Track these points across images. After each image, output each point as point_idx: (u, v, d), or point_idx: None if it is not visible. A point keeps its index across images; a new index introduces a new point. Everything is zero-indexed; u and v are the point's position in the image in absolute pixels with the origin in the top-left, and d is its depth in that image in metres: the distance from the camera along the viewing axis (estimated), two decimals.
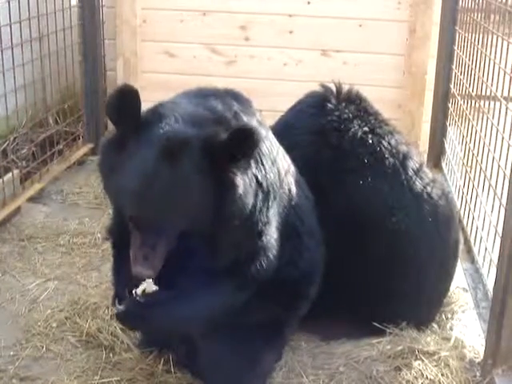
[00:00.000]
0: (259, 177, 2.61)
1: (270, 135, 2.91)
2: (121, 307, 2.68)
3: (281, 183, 2.83)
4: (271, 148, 2.81)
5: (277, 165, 2.81)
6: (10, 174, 4.55)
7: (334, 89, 3.59)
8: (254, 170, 2.59)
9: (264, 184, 2.64)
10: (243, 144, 2.41)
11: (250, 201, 2.54)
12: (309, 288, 3.05)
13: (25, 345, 3.32)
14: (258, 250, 2.73)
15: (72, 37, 5.46)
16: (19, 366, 3.18)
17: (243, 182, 2.49)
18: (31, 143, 5.13)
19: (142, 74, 5.80)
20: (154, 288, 2.63)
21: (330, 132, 3.42)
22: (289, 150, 3.18)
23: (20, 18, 4.69)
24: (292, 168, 3.03)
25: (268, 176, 2.67)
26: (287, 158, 3.04)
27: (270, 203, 2.69)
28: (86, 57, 5.52)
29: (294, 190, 2.94)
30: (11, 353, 3.27)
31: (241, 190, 2.48)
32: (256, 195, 2.59)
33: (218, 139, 2.42)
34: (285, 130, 3.52)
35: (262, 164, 2.65)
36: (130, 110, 2.45)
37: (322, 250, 3.10)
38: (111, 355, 3.25)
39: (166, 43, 5.74)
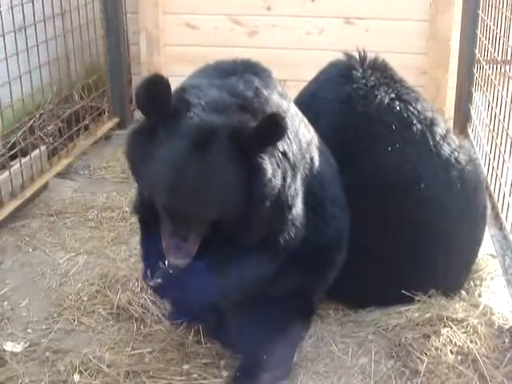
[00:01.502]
0: (287, 151, 2.62)
1: (292, 106, 2.91)
2: (157, 279, 2.71)
3: (303, 154, 2.83)
4: (293, 120, 2.80)
5: (299, 136, 2.81)
6: (37, 151, 4.59)
7: (358, 57, 3.58)
8: (281, 146, 2.59)
9: (291, 158, 2.65)
10: (271, 133, 2.43)
11: (278, 181, 2.55)
12: (335, 255, 3.06)
13: (57, 318, 3.38)
14: (286, 223, 2.74)
15: (94, 12, 5.46)
16: (52, 339, 3.24)
17: (271, 166, 2.51)
18: (57, 119, 5.16)
19: (165, 47, 5.79)
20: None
21: (357, 100, 3.40)
22: (315, 119, 3.17)
23: None
24: (315, 138, 3.03)
25: (293, 149, 2.68)
26: (310, 128, 3.03)
27: (298, 177, 2.70)
28: (108, 31, 5.52)
29: (316, 159, 2.95)
30: (44, 326, 3.33)
31: (269, 174, 2.49)
32: (284, 171, 2.60)
33: (245, 128, 2.44)
34: (310, 100, 3.52)
35: (288, 137, 2.66)
36: (161, 100, 2.45)
37: (346, 217, 3.11)
38: (142, 327, 3.30)
39: (188, 15, 5.72)
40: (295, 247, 2.82)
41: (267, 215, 2.60)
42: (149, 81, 2.43)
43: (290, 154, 2.64)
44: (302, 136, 2.86)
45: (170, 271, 2.66)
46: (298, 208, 2.78)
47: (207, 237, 2.58)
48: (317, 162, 2.95)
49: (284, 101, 2.80)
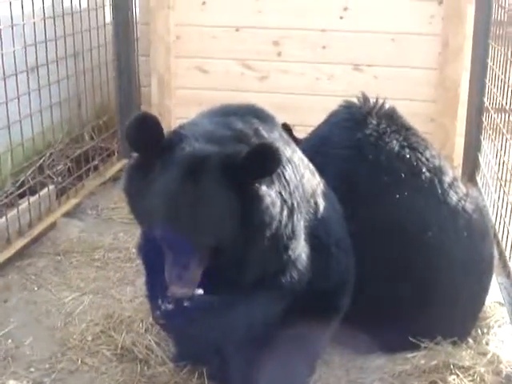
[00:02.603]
0: (283, 193, 2.63)
1: (297, 153, 2.92)
2: (169, 306, 2.69)
3: (307, 198, 2.84)
4: (297, 164, 2.81)
5: (303, 181, 2.82)
6: (45, 190, 4.61)
7: (368, 103, 3.60)
8: (277, 186, 2.60)
9: (288, 200, 2.65)
10: (263, 160, 2.44)
11: (277, 212, 2.55)
12: (340, 299, 3.05)
13: (60, 358, 3.36)
14: (285, 264, 2.74)
15: (107, 54, 5.52)
16: (55, 378, 3.22)
17: (269, 194, 2.52)
18: (67, 159, 5.19)
19: (176, 90, 5.84)
20: (199, 291, 2.64)
21: (367, 147, 3.42)
22: (323, 163, 3.19)
23: (55, 35, 4.75)
24: (321, 183, 3.04)
25: (293, 192, 2.68)
26: (316, 174, 3.04)
27: (295, 218, 2.70)
28: (120, 73, 5.59)
29: (320, 203, 2.95)
30: (47, 366, 3.31)
31: (268, 201, 2.50)
32: (281, 210, 2.60)
33: (238, 156, 2.45)
34: (319, 144, 3.54)
35: (286, 180, 2.66)
36: (152, 136, 2.49)
37: (351, 262, 3.10)
38: (146, 368, 3.28)
39: (199, 59, 5.77)
40: (300, 290, 2.81)
41: (264, 250, 2.60)
42: (138, 119, 2.49)
43: (287, 197, 2.64)
44: (307, 181, 2.87)
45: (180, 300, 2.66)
46: (300, 251, 2.77)
47: (210, 272, 2.57)
48: (321, 207, 2.95)
49: (287, 146, 2.82)
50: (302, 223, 2.78)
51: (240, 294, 2.69)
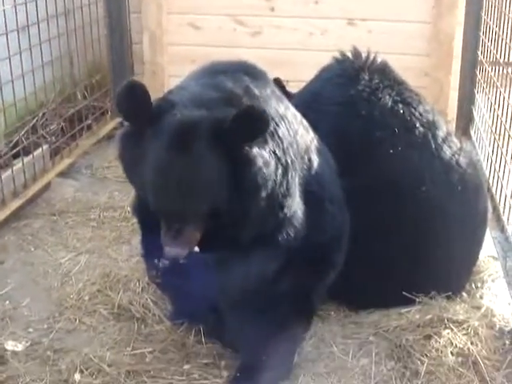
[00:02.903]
0: (277, 151, 2.62)
1: (290, 109, 2.90)
2: (166, 262, 2.71)
3: (301, 155, 2.84)
4: (291, 121, 2.80)
5: (297, 137, 2.81)
6: (39, 150, 4.59)
7: (361, 57, 3.57)
8: (271, 145, 2.59)
9: (282, 158, 2.65)
10: (250, 123, 2.42)
11: (271, 171, 2.55)
12: (335, 254, 3.06)
13: (58, 318, 3.39)
14: (281, 222, 2.75)
15: (97, 11, 5.46)
16: (53, 338, 3.24)
17: (261, 155, 2.51)
18: (60, 118, 5.16)
19: (168, 47, 5.79)
20: (195, 249, 2.65)
21: (360, 102, 3.41)
22: (316, 120, 3.17)
23: None
24: (314, 139, 3.04)
25: (286, 149, 2.68)
26: (309, 129, 3.04)
27: (289, 176, 2.70)
28: (111, 31, 5.54)
29: (314, 159, 2.95)
30: (45, 326, 3.34)
31: (260, 162, 2.49)
32: (276, 169, 2.60)
33: (226, 120, 2.43)
34: (311, 100, 3.52)
35: (280, 138, 2.66)
36: (141, 104, 2.48)
37: (345, 217, 3.11)
38: (143, 327, 3.30)
39: (191, 15, 5.73)
40: (296, 245, 2.82)
41: (262, 209, 2.61)
42: (127, 88, 2.47)
43: (280, 155, 2.64)
44: (300, 138, 2.87)
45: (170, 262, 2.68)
46: (296, 208, 2.78)
47: (208, 232, 2.59)
48: (315, 163, 2.95)
49: (280, 103, 2.80)
50: (296, 180, 2.78)
51: (236, 251, 2.70)
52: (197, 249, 2.65)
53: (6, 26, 4.25)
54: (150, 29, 5.72)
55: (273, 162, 2.57)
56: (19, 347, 3.17)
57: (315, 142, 3.03)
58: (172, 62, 5.76)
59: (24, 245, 4.03)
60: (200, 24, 5.73)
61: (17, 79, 4.40)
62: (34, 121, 4.93)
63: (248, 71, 2.81)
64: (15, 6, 4.41)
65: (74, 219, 4.32)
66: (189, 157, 2.45)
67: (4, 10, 4.26)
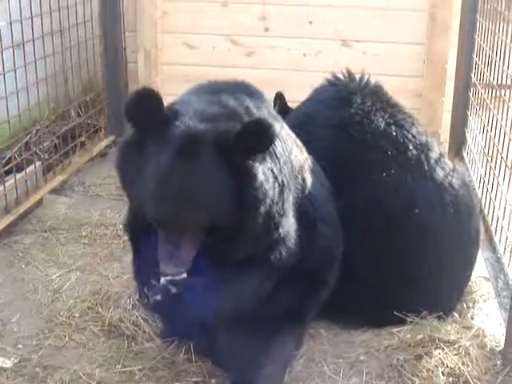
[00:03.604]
0: (274, 169, 2.63)
1: (285, 128, 2.92)
2: (157, 296, 2.70)
3: (295, 175, 2.84)
4: (286, 140, 2.81)
5: (291, 157, 2.82)
6: (32, 166, 4.58)
7: (353, 79, 3.59)
8: (269, 162, 2.60)
9: (279, 177, 2.65)
10: (257, 137, 2.43)
11: (270, 189, 2.55)
12: (327, 273, 3.06)
13: (48, 334, 3.36)
14: (276, 241, 2.74)
15: (93, 29, 5.48)
16: (42, 355, 3.22)
17: (263, 171, 2.51)
18: (53, 135, 5.16)
19: (163, 66, 5.81)
20: (184, 276, 2.63)
21: (353, 125, 3.42)
22: (309, 142, 3.19)
23: (41, 11, 4.71)
24: (308, 159, 3.04)
25: (282, 169, 2.68)
26: (303, 149, 3.05)
27: (285, 195, 2.71)
28: (106, 49, 5.55)
29: (308, 179, 2.95)
30: (34, 342, 3.32)
31: (261, 178, 2.49)
32: (273, 187, 2.60)
33: (231, 133, 2.44)
34: (305, 121, 3.53)
35: (277, 157, 2.67)
36: (153, 112, 2.49)
37: (338, 237, 3.12)
38: (133, 344, 3.28)
39: (186, 35, 5.75)
40: (289, 266, 2.82)
41: (258, 228, 2.60)
42: (139, 93, 2.49)
43: (277, 174, 2.64)
44: (295, 157, 2.87)
45: (170, 287, 2.66)
46: (289, 228, 2.78)
47: (203, 250, 2.57)
48: (309, 183, 2.96)
49: (276, 122, 2.81)
50: (290, 200, 2.79)
51: (229, 272, 2.70)
52: (185, 275, 2.62)
53: (1, 42, 4.25)
54: (145, 48, 5.74)
55: (271, 180, 2.57)
56: (8, 363, 3.15)
57: (309, 162, 3.04)
58: (167, 81, 5.77)
59: (15, 261, 4.01)
60: (195, 44, 5.76)
61: (11, 96, 4.40)
62: (28, 138, 4.93)
63: (247, 91, 2.83)
64: (10, 23, 4.42)
65: (66, 236, 4.30)
66: (192, 166, 2.45)
67: None
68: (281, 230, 2.74)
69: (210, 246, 2.59)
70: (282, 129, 2.85)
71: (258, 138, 2.44)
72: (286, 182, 2.70)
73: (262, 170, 2.52)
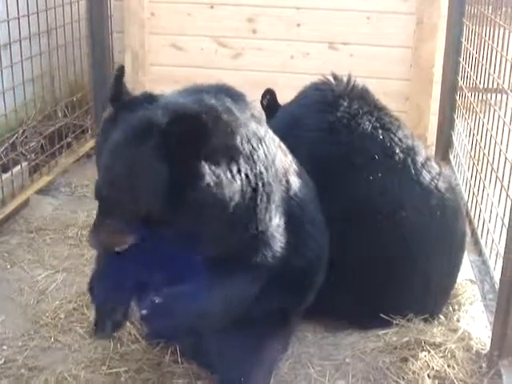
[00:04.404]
0: (249, 173, 2.61)
1: (269, 133, 2.88)
2: (144, 311, 2.68)
3: (279, 178, 2.83)
4: (269, 144, 2.79)
5: (276, 161, 2.80)
6: (18, 167, 4.57)
7: (340, 82, 3.60)
8: (243, 166, 2.59)
9: (253, 181, 2.63)
10: (185, 131, 2.39)
11: (225, 193, 2.51)
12: (314, 276, 3.06)
13: (33, 335, 3.35)
14: (254, 243, 2.73)
15: (80, 30, 5.47)
16: (28, 356, 3.21)
17: (213, 173, 2.47)
18: (40, 136, 5.15)
19: (150, 67, 5.81)
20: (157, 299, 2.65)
21: (339, 129, 3.42)
22: (296, 145, 3.18)
23: (28, 11, 4.70)
24: (293, 163, 3.03)
25: (260, 173, 2.66)
26: (288, 153, 3.03)
27: (259, 199, 2.67)
28: (93, 50, 5.53)
29: (293, 182, 2.94)
30: (20, 343, 3.30)
31: (208, 180, 2.45)
32: (242, 191, 2.58)
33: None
34: (291, 125, 3.52)
35: (254, 161, 2.64)
36: (126, 92, 2.58)
37: (325, 239, 3.11)
38: (118, 346, 3.27)
39: (174, 36, 5.75)
40: (276, 267, 2.81)
41: (219, 227, 2.59)
42: (118, 69, 2.63)
43: (251, 176, 2.62)
44: (279, 161, 2.85)
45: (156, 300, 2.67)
46: (273, 229, 2.77)
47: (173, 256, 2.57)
48: (295, 186, 2.94)
49: (260, 126, 2.80)
50: (272, 203, 2.76)
51: (214, 277, 2.68)
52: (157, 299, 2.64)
53: None
54: (133, 49, 5.74)
55: (238, 183, 2.56)
56: None
57: (294, 165, 3.03)
58: (154, 82, 5.77)
59: (0, 262, 3.99)
60: (182, 45, 5.76)
61: None
62: (14, 138, 4.92)
63: (229, 93, 2.81)
64: None
65: (52, 237, 4.29)
66: (132, 154, 2.42)
67: None
68: (254, 231, 2.71)
69: (177, 246, 2.58)
70: (265, 133, 2.82)
71: (187, 130, 2.39)
72: (262, 185, 2.68)
73: (214, 173, 2.48)
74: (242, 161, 2.58)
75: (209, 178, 2.45)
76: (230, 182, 2.52)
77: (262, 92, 4.11)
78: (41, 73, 5.01)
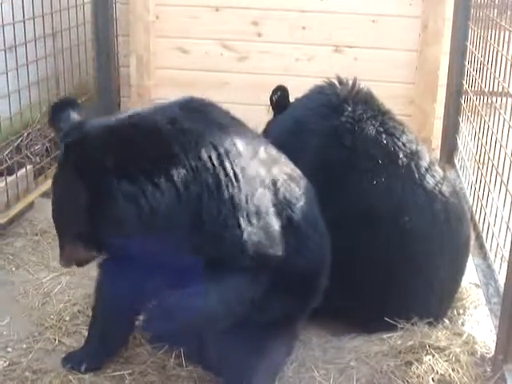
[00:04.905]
0: (187, 179, 2.58)
1: (244, 138, 2.84)
2: (146, 318, 2.77)
3: (257, 181, 2.78)
4: (241, 151, 2.74)
5: (247, 168, 2.74)
6: (23, 170, 4.58)
7: (344, 86, 3.59)
8: (175, 173, 2.56)
9: (191, 187, 2.60)
10: (88, 152, 2.50)
11: (143, 205, 2.52)
12: (317, 279, 3.04)
13: (38, 338, 3.36)
14: (236, 249, 2.68)
15: (85, 33, 5.48)
16: (32, 358, 3.21)
17: (127, 191, 2.49)
18: (45, 139, 5.15)
19: (155, 71, 5.81)
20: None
21: (343, 133, 3.42)
22: (299, 149, 3.19)
23: (33, 14, 4.71)
24: (289, 166, 3.01)
25: (206, 178, 2.63)
26: (279, 156, 2.98)
27: (223, 206, 2.64)
28: (99, 53, 5.54)
29: (281, 185, 2.88)
30: (24, 346, 3.30)
31: (119, 196, 2.49)
32: (176, 203, 2.57)
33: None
34: (295, 129, 3.52)
35: (196, 168, 2.61)
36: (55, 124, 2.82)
37: (327, 243, 3.10)
38: (123, 350, 3.26)
39: (179, 39, 5.75)
40: (274, 268, 2.79)
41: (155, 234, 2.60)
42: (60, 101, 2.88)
43: (181, 188, 2.58)
44: (255, 168, 2.78)
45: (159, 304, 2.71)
46: (259, 233, 2.72)
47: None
48: (291, 191, 2.89)
49: (225, 135, 2.73)
50: (238, 206, 2.68)
51: (213, 279, 2.68)
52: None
53: None
54: (138, 52, 5.74)
55: (162, 194, 2.54)
56: None
57: (288, 170, 2.98)
58: (159, 86, 5.77)
59: (5, 264, 4.00)
60: (187, 48, 5.75)
61: (2, 98, 4.39)
62: (19, 141, 4.92)
63: (184, 106, 2.78)
64: (3, 26, 4.42)
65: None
66: (59, 176, 2.64)
67: None
68: (235, 238, 2.67)
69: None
70: (237, 142, 2.75)
71: (89, 155, 2.49)
72: (213, 190, 2.63)
73: (128, 191, 2.49)
74: (175, 169, 2.56)
75: (119, 194, 2.50)
76: (152, 193, 2.53)
77: (267, 96, 4.09)
78: (46, 76, 5.02)
